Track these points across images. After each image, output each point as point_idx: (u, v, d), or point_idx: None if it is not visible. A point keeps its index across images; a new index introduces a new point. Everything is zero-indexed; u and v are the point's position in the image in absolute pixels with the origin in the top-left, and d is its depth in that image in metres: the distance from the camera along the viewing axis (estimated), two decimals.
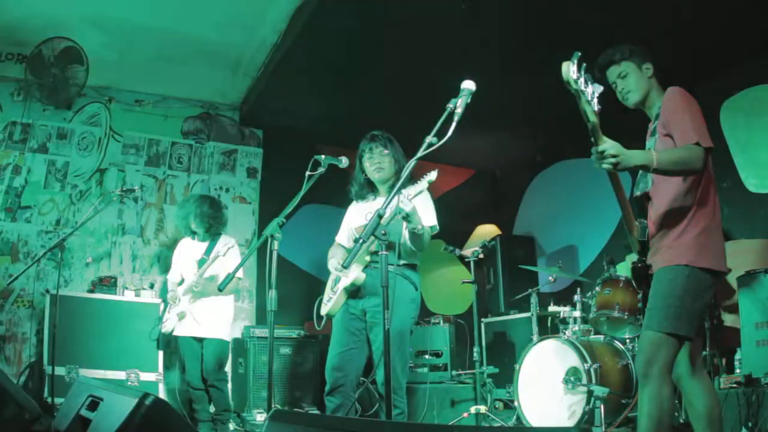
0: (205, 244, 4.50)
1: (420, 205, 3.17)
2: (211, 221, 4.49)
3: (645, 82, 2.52)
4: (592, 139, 2.10)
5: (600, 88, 2.03)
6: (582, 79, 1.96)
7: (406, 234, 3.16)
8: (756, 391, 3.27)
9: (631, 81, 2.52)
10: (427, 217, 3.25)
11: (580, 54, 1.94)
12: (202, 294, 4.31)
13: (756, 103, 4.50)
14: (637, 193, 2.53)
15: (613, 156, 2.10)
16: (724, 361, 3.85)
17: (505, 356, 5.09)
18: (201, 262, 4.36)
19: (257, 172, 6.02)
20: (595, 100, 2.01)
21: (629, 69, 2.53)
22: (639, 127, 2.66)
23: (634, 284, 2.54)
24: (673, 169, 2.26)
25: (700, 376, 2.37)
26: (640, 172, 2.50)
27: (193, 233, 4.58)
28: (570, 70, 1.92)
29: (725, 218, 2.46)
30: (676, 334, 2.23)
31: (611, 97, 2.58)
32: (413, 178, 2.94)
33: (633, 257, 2.50)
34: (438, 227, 3.29)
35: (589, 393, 3.58)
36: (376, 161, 3.35)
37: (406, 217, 2.97)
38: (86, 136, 5.44)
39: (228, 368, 4.68)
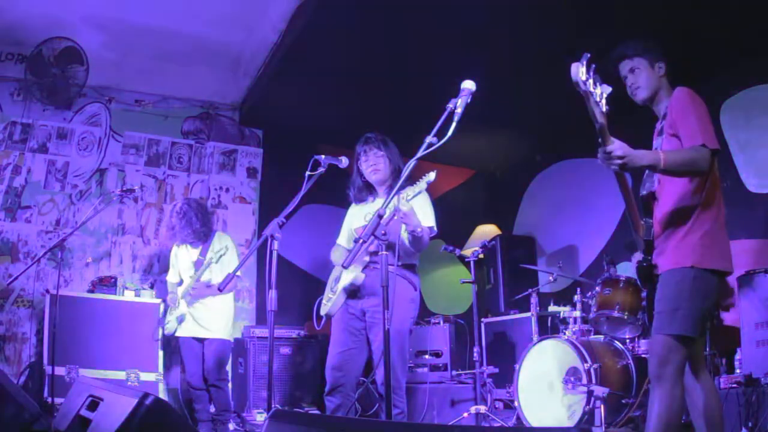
0: (199, 247, 4.49)
1: (419, 206, 3.17)
2: (202, 236, 4.43)
3: (655, 81, 2.51)
4: (600, 140, 2.10)
5: (608, 89, 2.02)
6: (591, 80, 1.95)
7: (404, 235, 3.16)
8: (756, 391, 3.26)
9: (642, 77, 2.51)
10: (426, 218, 3.25)
11: (589, 55, 1.93)
12: (201, 297, 4.32)
13: (756, 103, 4.49)
14: (643, 192, 2.54)
15: (620, 157, 2.11)
16: (724, 361, 3.84)
17: (505, 356, 5.08)
18: (197, 264, 4.36)
19: (257, 172, 6.02)
20: (604, 101, 2.00)
21: (641, 65, 2.51)
22: (648, 124, 2.64)
23: (639, 283, 2.54)
24: (680, 170, 2.27)
25: (702, 376, 2.38)
26: (647, 171, 2.50)
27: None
28: (579, 71, 1.91)
29: (725, 218, 2.46)
30: (687, 336, 2.25)
31: (622, 93, 2.57)
32: (412, 179, 2.94)
33: (637, 256, 2.50)
34: (436, 229, 3.29)
35: (589, 393, 3.58)
36: (372, 163, 3.36)
37: (404, 218, 2.97)
38: (86, 136, 5.43)
39: (228, 368, 4.68)
